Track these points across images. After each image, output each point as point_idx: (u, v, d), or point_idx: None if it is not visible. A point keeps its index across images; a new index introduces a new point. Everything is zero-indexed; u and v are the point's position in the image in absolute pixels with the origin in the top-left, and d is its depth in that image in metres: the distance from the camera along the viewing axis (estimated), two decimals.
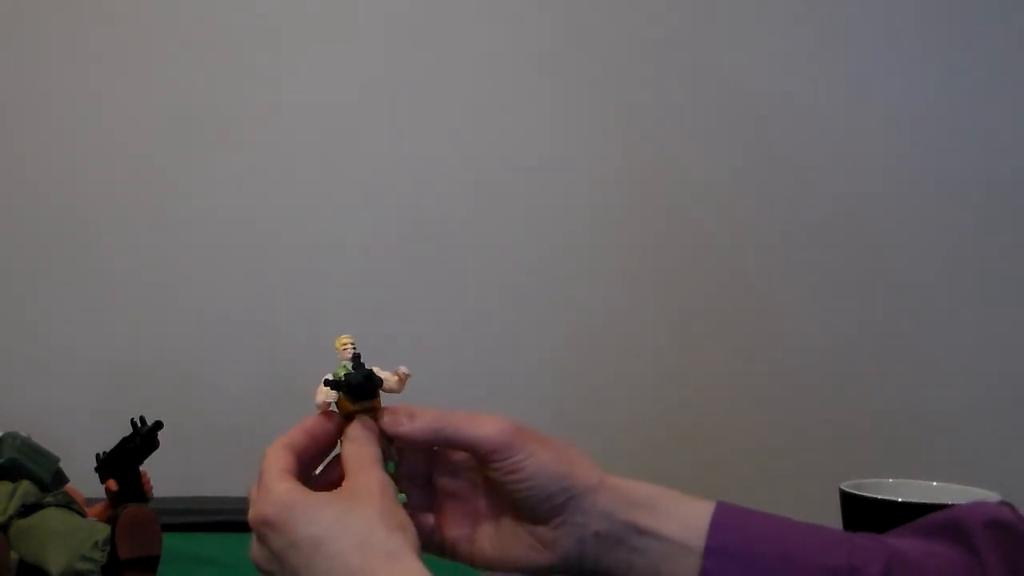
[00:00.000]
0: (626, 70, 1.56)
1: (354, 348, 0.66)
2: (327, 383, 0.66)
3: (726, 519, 0.64)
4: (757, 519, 0.65)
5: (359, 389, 0.65)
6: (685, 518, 0.64)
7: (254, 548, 0.61)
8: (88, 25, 1.53)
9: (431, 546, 0.67)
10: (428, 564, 0.57)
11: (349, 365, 0.66)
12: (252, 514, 0.60)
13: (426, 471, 0.68)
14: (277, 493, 0.60)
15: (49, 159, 1.53)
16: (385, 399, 0.67)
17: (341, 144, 1.55)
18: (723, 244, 1.57)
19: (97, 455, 1.10)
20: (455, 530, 0.67)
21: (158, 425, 1.09)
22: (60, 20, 1.52)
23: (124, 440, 1.09)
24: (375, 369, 0.66)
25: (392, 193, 1.55)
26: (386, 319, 1.53)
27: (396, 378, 0.67)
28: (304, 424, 0.65)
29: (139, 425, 1.09)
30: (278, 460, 0.62)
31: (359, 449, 0.63)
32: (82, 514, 1.07)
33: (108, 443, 1.10)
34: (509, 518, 0.66)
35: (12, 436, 1.14)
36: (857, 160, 1.57)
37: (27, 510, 1.05)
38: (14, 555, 1.02)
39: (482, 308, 1.55)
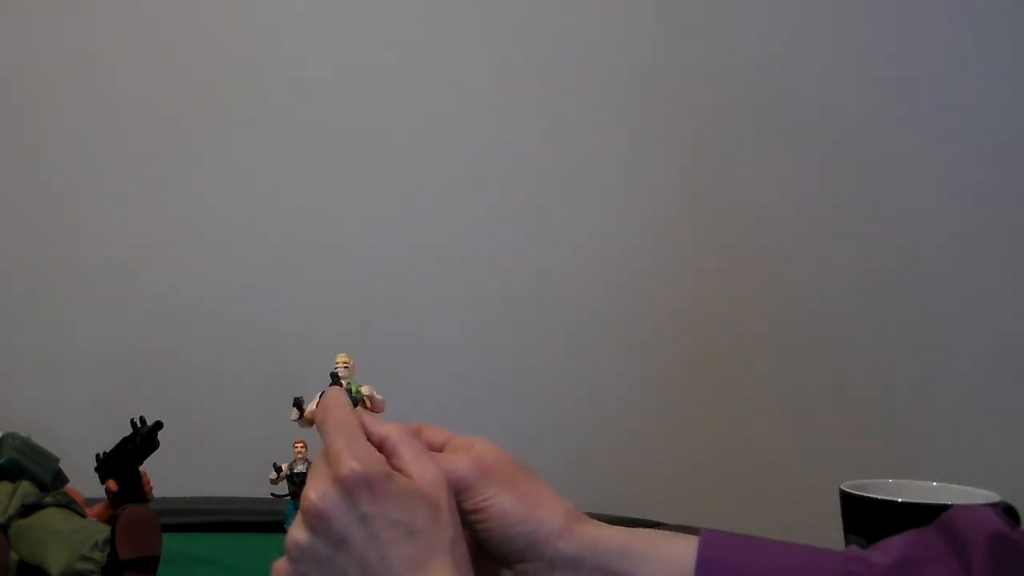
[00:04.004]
0: (630, 72, 1.56)
1: (344, 367, 0.69)
2: (294, 401, 0.69)
3: (712, 553, 0.61)
4: (745, 549, 0.62)
5: None
6: (667, 559, 0.62)
7: (333, 503, 0.57)
8: (86, 22, 1.53)
9: None
10: None
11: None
12: (348, 468, 0.56)
13: None
14: (378, 458, 0.58)
15: (48, 156, 1.53)
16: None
17: (346, 144, 1.55)
18: (720, 242, 1.57)
19: (97, 455, 1.10)
20: None
21: (158, 425, 1.09)
22: (57, 18, 1.52)
23: (124, 440, 1.09)
24: (365, 388, 0.69)
25: (396, 194, 1.55)
26: (389, 320, 1.53)
27: (367, 400, 0.69)
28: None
29: (139, 425, 1.09)
30: (355, 418, 0.60)
31: (399, 434, 0.62)
32: (82, 514, 1.07)
33: (108, 443, 1.09)
34: (484, 553, 0.65)
35: (12, 436, 1.13)
36: (858, 160, 1.57)
37: (27, 510, 1.05)
38: (14, 555, 1.02)
39: (485, 309, 1.55)
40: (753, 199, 1.57)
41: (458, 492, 0.62)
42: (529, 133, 1.56)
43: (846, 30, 1.57)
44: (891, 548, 0.64)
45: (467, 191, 1.56)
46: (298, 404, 0.68)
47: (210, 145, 1.54)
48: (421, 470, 0.59)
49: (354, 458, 0.57)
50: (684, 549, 0.62)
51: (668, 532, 0.63)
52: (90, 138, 1.53)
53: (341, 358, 0.70)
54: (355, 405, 0.68)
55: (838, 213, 1.57)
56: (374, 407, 0.69)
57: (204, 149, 1.54)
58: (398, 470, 0.59)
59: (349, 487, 0.56)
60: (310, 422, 0.69)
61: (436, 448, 0.66)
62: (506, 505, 0.62)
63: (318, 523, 0.57)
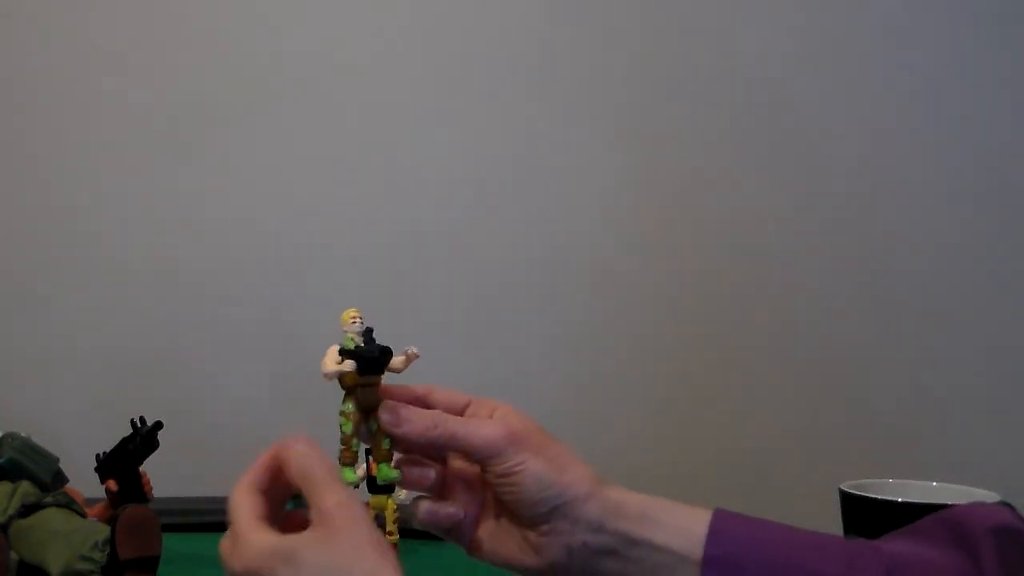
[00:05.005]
0: (626, 71, 1.56)
1: (363, 321, 0.67)
2: (343, 352, 0.66)
3: (724, 527, 0.64)
4: (755, 527, 0.64)
5: (372, 363, 0.66)
6: (681, 527, 0.64)
7: None
8: (87, 23, 1.53)
9: (434, 525, 0.68)
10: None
11: (358, 338, 0.67)
12: (236, 565, 0.59)
13: (441, 450, 0.68)
14: (257, 542, 0.58)
15: (49, 155, 1.53)
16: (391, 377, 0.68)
17: (345, 144, 1.55)
18: (719, 243, 1.57)
19: (97, 455, 1.10)
20: (459, 514, 0.68)
21: (158, 425, 1.09)
22: (58, 19, 1.52)
23: (124, 440, 1.09)
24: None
25: (395, 193, 1.55)
26: (390, 318, 1.52)
27: (403, 358, 0.68)
28: (262, 460, 0.63)
29: (139, 425, 1.09)
30: (246, 505, 0.61)
31: (309, 471, 0.61)
32: (82, 514, 1.07)
33: (108, 443, 1.10)
34: (505, 517, 0.67)
35: (12, 436, 1.14)
36: (855, 159, 1.57)
37: (27, 510, 1.05)
38: (14, 555, 1.02)
39: (484, 308, 1.55)
40: (755, 200, 1.57)
41: (489, 457, 0.64)
42: (529, 133, 1.56)
43: (845, 37, 1.58)
44: (896, 538, 0.64)
45: (467, 191, 1.55)
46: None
47: (209, 145, 1.54)
48: (331, 501, 0.59)
49: (238, 553, 0.59)
50: (699, 520, 0.64)
51: (685, 504, 0.65)
52: (89, 138, 1.53)
53: (354, 312, 0.68)
54: (391, 357, 0.67)
55: (839, 214, 1.57)
56: (405, 364, 0.68)
57: (203, 149, 1.53)
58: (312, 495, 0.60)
59: None
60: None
61: (457, 411, 0.68)
62: (537, 469, 0.64)
63: None
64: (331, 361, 0.66)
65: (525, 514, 0.65)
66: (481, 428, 0.65)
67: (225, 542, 0.60)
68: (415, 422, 0.65)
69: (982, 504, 0.66)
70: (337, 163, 1.55)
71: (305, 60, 1.54)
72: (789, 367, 1.56)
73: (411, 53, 1.55)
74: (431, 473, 0.67)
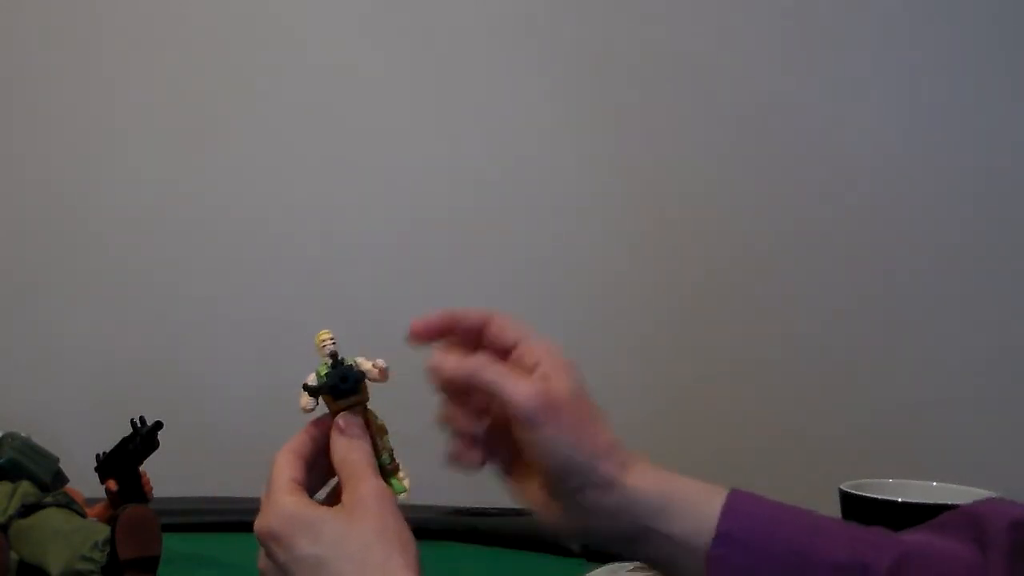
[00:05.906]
0: (622, 69, 1.57)
1: (333, 344, 0.66)
2: (306, 388, 0.66)
3: (737, 506, 0.64)
4: (768, 508, 0.65)
5: (335, 391, 0.65)
6: (699, 518, 0.64)
7: (261, 558, 0.62)
8: (87, 23, 1.53)
9: (457, 464, 0.67)
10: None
11: (328, 363, 0.66)
12: (259, 524, 0.61)
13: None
14: (284, 506, 0.61)
15: (50, 157, 1.53)
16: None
17: (345, 144, 1.55)
18: (720, 243, 1.57)
19: (97, 455, 1.10)
20: (497, 455, 0.68)
21: (158, 425, 1.09)
22: (58, 19, 1.52)
23: (124, 440, 1.09)
24: (360, 360, 0.66)
25: (395, 193, 1.55)
26: (390, 319, 1.52)
27: (377, 371, 0.66)
28: (308, 429, 0.66)
29: (139, 425, 1.09)
30: (287, 468, 0.63)
31: (349, 455, 0.64)
32: (82, 514, 1.07)
33: (108, 443, 1.10)
34: (535, 472, 0.67)
35: (12, 436, 1.14)
36: (853, 158, 1.57)
37: (27, 510, 1.05)
38: (14, 555, 1.02)
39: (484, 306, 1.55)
40: (755, 201, 1.57)
41: (519, 420, 0.63)
42: (530, 132, 1.56)
43: (845, 37, 1.58)
44: (916, 531, 0.65)
45: (467, 192, 1.55)
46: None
47: (210, 145, 1.54)
48: (366, 488, 0.62)
49: (267, 511, 0.61)
50: (716, 506, 0.64)
51: (707, 488, 0.65)
52: (90, 137, 1.53)
53: (324, 335, 0.68)
54: (360, 380, 0.66)
55: (838, 214, 1.57)
56: (382, 376, 0.67)
57: (204, 149, 1.53)
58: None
59: (264, 542, 0.61)
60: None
61: (505, 348, 0.68)
62: (564, 450, 0.63)
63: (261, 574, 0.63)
64: (303, 396, 0.66)
65: (548, 482, 0.65)
66: (518, 387, 0.64)
67: (263, 495, 0.62)
68: (464, 364, 0.65)
69: (1003, 500, 0.66)
70: (337, 163, 1.55)
71: (305, 60, 1.54)
72: (789, 367, 1.55)
73: (411, 53, 1.55)
74: (478, 457, 0.66)
